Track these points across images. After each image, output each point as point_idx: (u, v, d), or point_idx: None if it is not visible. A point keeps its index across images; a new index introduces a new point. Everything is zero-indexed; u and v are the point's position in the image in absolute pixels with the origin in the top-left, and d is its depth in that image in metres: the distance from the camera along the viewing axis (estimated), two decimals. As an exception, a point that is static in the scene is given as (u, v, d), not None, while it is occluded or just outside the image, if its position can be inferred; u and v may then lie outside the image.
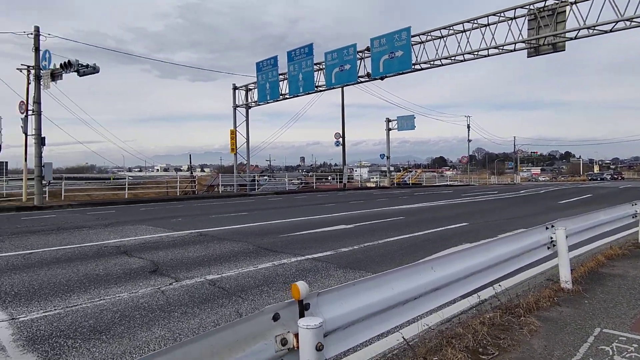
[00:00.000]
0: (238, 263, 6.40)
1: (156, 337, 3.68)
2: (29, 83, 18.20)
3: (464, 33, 19.60)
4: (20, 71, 18.27)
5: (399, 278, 2.58)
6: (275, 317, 1.95)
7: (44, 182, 17.90)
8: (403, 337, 3.04)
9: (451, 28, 19.97)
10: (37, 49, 17.60)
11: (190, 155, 43.59)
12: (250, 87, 29.78)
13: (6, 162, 23.34)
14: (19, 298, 4.74)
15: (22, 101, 18.45)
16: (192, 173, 40.02)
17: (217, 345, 1.72)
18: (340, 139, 36.33)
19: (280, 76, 26.71)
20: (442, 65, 21.24)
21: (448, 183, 50.00)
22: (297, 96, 26.51)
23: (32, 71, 17.78)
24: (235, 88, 30.44)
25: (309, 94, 26.30)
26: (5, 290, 5.02)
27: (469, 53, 19.69)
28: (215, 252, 7.27)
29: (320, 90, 25.80)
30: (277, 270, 5.98)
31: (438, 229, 9.70)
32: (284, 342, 1.93)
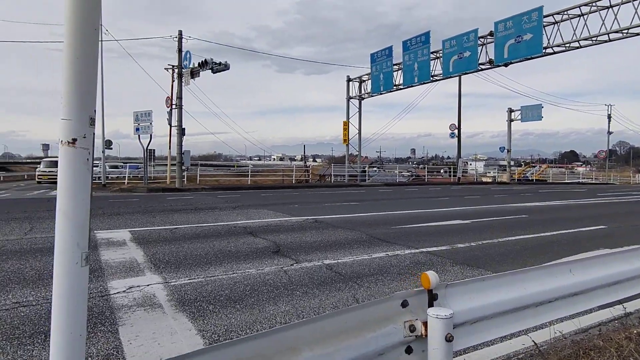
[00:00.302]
0: (352, 251, 6.59)
1: (281, 311, 4.01)
2: (173, 81, 20.90)
3: (610, 9, 17.07)
4: (167, 70, 21.06)
5: (533, 278, 2.44)
6: (404, 304, 2.01)
7: (183, 167, 20.51)
8: (533, 341, 2.87)
9: (594, 4, 17.54)
10: (180, 50, 20.09)
11: (304, 145, 45.61)
12: (364, 79, 29.93)
13: (154, 150, 27.13)
14: (170, 265, 5.55)
15: (167, 96, 21.30)
16: (305, 163, 41.87)
17: (349, 323, 1.85)
18: (456, 131, 34.60)
19: (395, 66, 26.35)
20: (580, 47, 18.82)
21: (580, 180, 44.34)
22: (412, 86, 25.91)
23: (176, 70, 20.38)
24: (349, 80, 30.89)
25: (423, 83, 25.51)
26: (159, 258, 5.93)
27: (617, 32, 17.10)
28: (330, 238, 7.58)
29: (436, 80, 24.85)
30: (390, 260, 6.02)
31: (568, 231, 8.74)
32: (412, 328, 1.99)
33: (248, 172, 28.34)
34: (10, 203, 13.89)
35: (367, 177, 30.91)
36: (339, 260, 5.96)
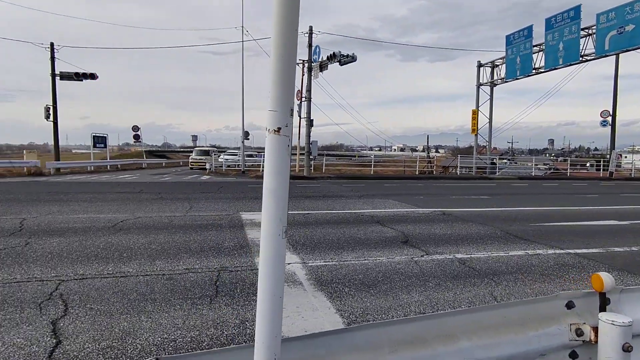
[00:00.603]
0: (486, 246, 6.25)
1: (415, 300, 4.02)
2: (303, 74, 22.07)
3: None
4: (297, 65, 22.30)
5: None
6: (569, 305, 1.87)
7: (310, 157, 21.64)
8: None
9: None
10: (310, 45, 21.09)
11: (427, 136, 44.10)
12: (497, 63, 27.66)
13: (283, 140, 28.96)
14: (306, 248, 5.96)
15: (298, 90, 22.59)
16: (428, 154, 40.55)
17: (510, 317, 1.79)
18: (609, 118, 29.84)
19: (535, 48, 23.79)
20: None
21: None
22: (555, 69, 23.11)
23: (306, 64, 21.46)
24: (480, 65, 28.85)
25: (570, 65, 22.53)
26: (296, 240, 6.40)
27: None
28: (460, 232, 7.29)
29: (586, 60, 21.72)
30: (531, 260, 5.56)
31: None
32: (579, 332, 1.84)
33: (370, 162, 28.59)
34: (172, 185, 16.32)
35: (496, 170, 28.69)
36: (472, 255, 5.71)
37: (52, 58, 25.27)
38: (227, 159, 31.04)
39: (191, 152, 37.54)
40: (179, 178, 21.53)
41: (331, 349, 1.53)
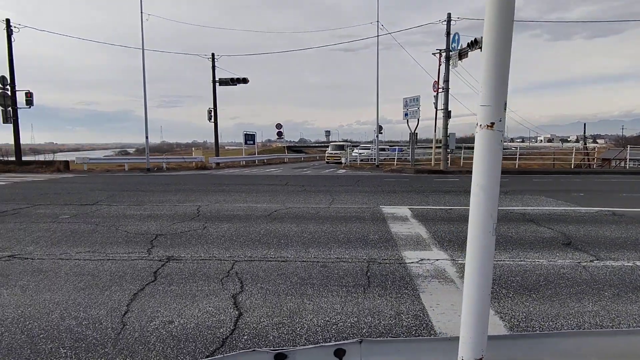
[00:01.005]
0: (679, 255, 5.22)
1: (588, 310, 3.58)
2: (440, 64, 21.21)
3: None
4: (434, 55, 21.51)
5: None
6: None
7: (448, 150, 20.75)
8: None
9: None
10: (448, 33, 20.14)
11: (584, 124, 38.49)
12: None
13: (416, 134, 28.47)
14: (452, 244, 5.76)
15: (435, 81, 21.80)
16: (585, 144, 35.43)
17: None
18: None
19: None
20: None
21: None
22: None
23: (443, 54, 20.57)
24: (659, 37, 23.97)
25: None
26: (441, 236, 6.24)
27: None
28: (639, 236, 6.22)
29: None
30: None
31: None
32: None
33: (513, 155, 26.20)
34: (313, 178, 17.33)
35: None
36: (660, 265, 4.83)
37: (213, 67, 28.92)
38: (360, 153, 31.69)
39: (325, 146, 39.37)
40: (317, 172, 22.74)
41: (529, 353, 1.47)
